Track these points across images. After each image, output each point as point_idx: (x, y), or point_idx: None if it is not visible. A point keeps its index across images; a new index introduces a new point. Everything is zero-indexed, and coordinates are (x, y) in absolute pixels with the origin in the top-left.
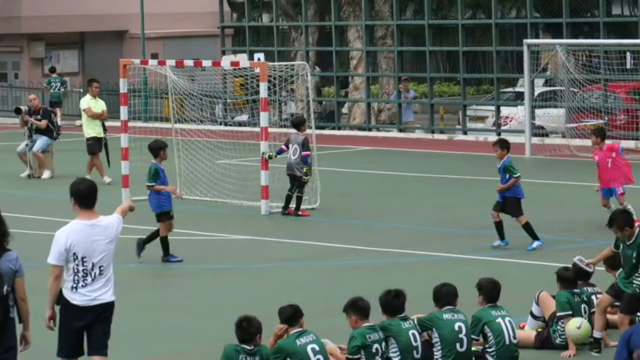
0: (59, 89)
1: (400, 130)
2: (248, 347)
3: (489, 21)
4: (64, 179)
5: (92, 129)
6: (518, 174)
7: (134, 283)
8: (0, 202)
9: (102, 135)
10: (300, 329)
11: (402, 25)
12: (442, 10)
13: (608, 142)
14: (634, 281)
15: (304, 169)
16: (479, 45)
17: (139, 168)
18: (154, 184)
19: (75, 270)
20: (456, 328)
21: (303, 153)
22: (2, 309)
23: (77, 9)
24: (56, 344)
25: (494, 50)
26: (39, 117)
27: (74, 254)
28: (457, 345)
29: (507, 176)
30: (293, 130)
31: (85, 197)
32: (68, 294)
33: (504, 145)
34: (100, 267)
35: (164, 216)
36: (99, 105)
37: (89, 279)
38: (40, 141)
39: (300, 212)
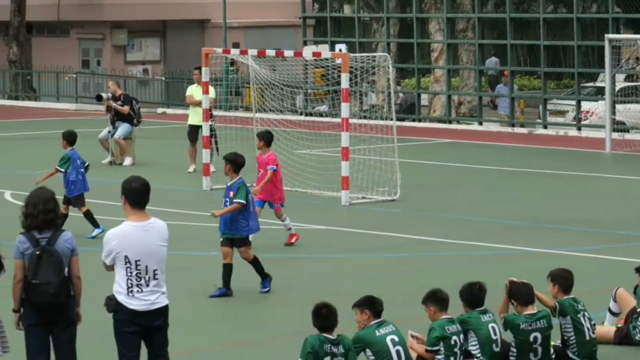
0: None
1: (480, 124)
2: (332, 337)
3: (571, 15)
4: (145, 166)
5: (191, 117)
6: (64, 169)
7: (210, 271)
8: None
9: (199, 123)
10: (380, 319)
11: (484, 18)
12: (523, 3)
13: None
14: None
15: None
16: (560, 39)
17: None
18: None
19: (128, 274)
20: (531, 339)
21: None
22: (65, 289)
23: None
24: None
25: (575, 45)
26: (120, 103)
27: (125, 257)
28: (532, 355)
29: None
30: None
31: (137, 196)
32: (124, 299)
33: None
34: (154, 270)
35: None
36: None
37: (142, 282)
38: (122, 128)
39: None
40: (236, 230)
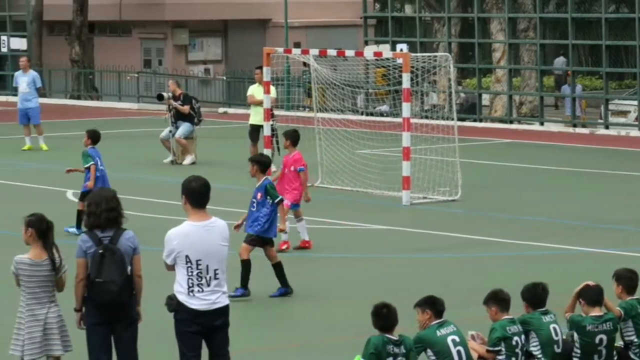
0: None
1: (541, 124)
2: (394, 338)
3: (633, 15)
4: (206, 166)
5: (252, 116)
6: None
7: (269, 271)
8: (142, 188)
9: (260, 123)
10: (441, 319)
11: (545, 18)
12: (585, 3)
13: None
14: None
15: None
16: (622, 39)
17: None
18: None
19: (190, 274)
20: (597, 341)
21: None
22: (128, 288)
23: None
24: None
25: (638, 45)
26: (180, 102)
27: (187, 257)
28: (596, 356)
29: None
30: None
31: (198, 195)
32: (185, 299)
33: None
34: (215, 270)
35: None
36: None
37: (204, 282)
38: (183, 127)
39: None
40: (250, 227)
